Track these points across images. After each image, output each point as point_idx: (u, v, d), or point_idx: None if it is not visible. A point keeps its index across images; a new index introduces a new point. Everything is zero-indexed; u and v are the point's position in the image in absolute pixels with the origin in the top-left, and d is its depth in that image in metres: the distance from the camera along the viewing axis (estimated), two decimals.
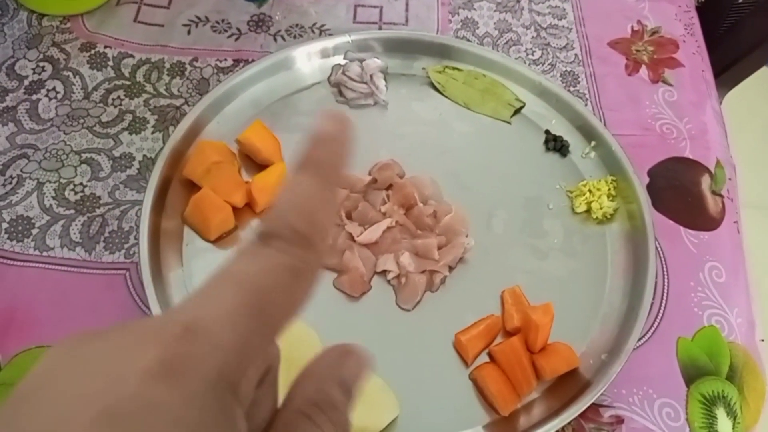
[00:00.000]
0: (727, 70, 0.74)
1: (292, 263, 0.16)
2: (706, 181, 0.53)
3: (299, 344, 0.33)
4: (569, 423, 0.41)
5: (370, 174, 0.50)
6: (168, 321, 0.15)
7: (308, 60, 0.56)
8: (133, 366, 0.14)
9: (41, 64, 0.55)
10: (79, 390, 0.14)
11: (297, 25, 0.60)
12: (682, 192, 0.53)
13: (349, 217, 0.48)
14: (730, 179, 0.54)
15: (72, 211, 0.48)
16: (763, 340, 0.49)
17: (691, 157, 0.55)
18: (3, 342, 0.42)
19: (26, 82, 0.54)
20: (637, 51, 0.61)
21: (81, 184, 0.49)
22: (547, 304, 0.43)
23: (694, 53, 0.61)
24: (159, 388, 0.14)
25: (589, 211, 0.50)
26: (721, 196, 0.53)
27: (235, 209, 0.47)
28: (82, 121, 0.52)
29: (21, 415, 0.14)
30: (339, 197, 0.48)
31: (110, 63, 0.56)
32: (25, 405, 0.14)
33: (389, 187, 0.50)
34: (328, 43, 0.56)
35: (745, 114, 1.32)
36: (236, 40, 0.58)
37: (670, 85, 0.59)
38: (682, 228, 0.51)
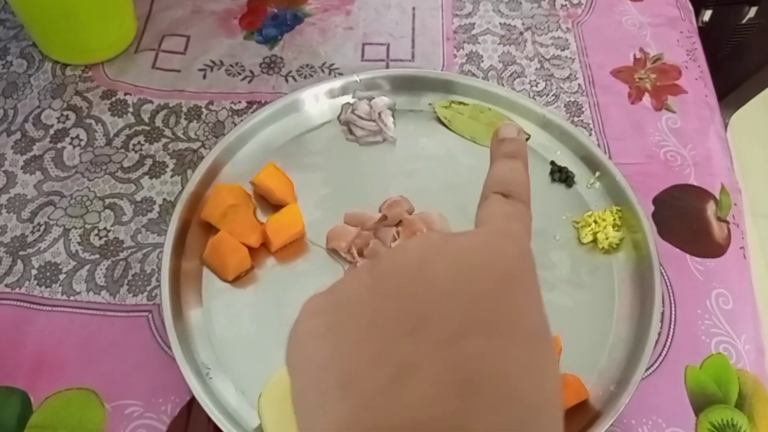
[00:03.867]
0: (732, 91, 0.74)
1: (509, 208, 0.26)
2: (711, 208, 0.54)
3: None
4: None
5: (380, 211, 0.52)
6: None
7: (317, 101, 0.58)
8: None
9: (65, 112, 0.58)
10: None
11: (307, 65, 0.62)
12: (688, 219, 0.54)
13: (360, 254, 0.50)
14: (735, 204, 0.55)
15: (97, 256, 0.50)
16: None
17: (695, 184, 0.55)
18: (35, 385, 0.45)
19: (51, 131, 0.57)
20: (640, 79, 0.62)
21: (105, 228, 0.51)
22: (555, 337, 0.45)
23: (696, 79, 0.62)
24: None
25: (595, 241, 0.51)
26: (727, 222, 0.54)
27: (251, 250, 0.49)
28: (104, 167, 0.55)
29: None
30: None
31: (130, 109, 0.58)
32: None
33: (399, 223, 0.52)
34: (337, 83, 0.58)
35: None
36: (249, 82, 0.61)
37: (674, 112, 0.60)
38: (688, 256, 0.52)
